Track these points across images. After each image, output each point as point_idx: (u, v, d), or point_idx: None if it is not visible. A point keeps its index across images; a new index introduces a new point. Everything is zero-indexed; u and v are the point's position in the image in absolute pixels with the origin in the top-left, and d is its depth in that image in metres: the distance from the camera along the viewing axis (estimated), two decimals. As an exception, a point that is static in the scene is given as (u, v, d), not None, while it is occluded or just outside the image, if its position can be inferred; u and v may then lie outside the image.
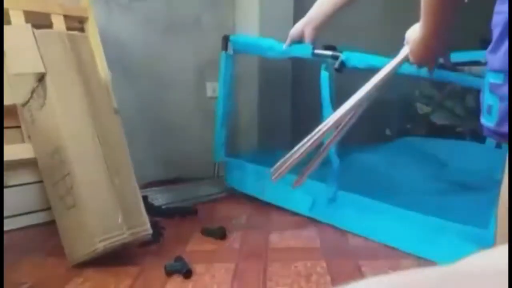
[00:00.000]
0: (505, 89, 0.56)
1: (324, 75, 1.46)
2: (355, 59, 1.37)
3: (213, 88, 2.09)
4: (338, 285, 1.06)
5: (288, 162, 1.14)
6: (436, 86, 2.40)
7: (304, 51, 1.49)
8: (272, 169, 1.18)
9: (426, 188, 1.57)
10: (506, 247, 0.25)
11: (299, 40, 1.48)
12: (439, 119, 2.41)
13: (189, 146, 2.02)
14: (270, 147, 2.09)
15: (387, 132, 2.56)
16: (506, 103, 0.56)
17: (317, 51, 1.46)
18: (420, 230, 1.27)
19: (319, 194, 1.54)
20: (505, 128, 0.57)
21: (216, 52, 1.83)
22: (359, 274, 1.13)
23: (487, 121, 0.61)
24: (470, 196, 1.46)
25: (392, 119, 2.55)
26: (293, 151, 1.14)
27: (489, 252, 0.26)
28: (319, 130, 1.12)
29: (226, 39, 1.79)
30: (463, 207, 1.32)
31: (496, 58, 0.58)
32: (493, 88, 0.59)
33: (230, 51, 1.80)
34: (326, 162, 1.45)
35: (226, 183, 1.89)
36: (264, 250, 1.31)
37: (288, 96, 2.22)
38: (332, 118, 1.13)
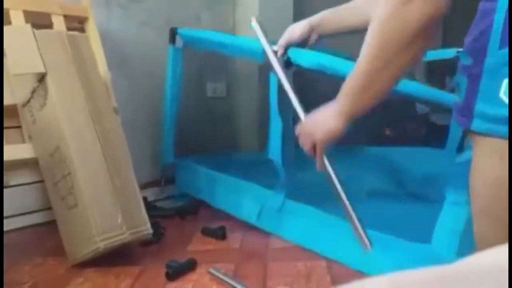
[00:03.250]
0: (472, 70, 0.60)
1: (272, 77, 1.29)
2: (303, 56, 1.21)
3: (213, 89, 2.09)
4: (338, 285, 1.05)
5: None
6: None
7: (256, 45, 1.28)
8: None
9: (378, 200, 1.48)
10: (506, 247, 0.25)
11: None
12: (438, 119, 2.41)
13: (189, 146, 2.02)
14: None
15: (387, 132, 2.56)
16: (472, 82, 0.60)
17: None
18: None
19: (267, 202, 1.42)
20: (468, 105, 0.61)
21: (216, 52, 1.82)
22: (359, 274, 1.13)
23: (457, 97, 0.65)
24: (418, 207, 1.38)
25: (391, 119, 2.55)
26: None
27: (489, 252, 0.26)
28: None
29: (173, 32, 1.66)
30: (411, 220, 1.23)
31: (467, 42, 0.62)
32: (462, 69, 0.63)
33: (178, 44, 1.66)
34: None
35: (177, 187, 1.78)
36: (264, 250, 1.31)
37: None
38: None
